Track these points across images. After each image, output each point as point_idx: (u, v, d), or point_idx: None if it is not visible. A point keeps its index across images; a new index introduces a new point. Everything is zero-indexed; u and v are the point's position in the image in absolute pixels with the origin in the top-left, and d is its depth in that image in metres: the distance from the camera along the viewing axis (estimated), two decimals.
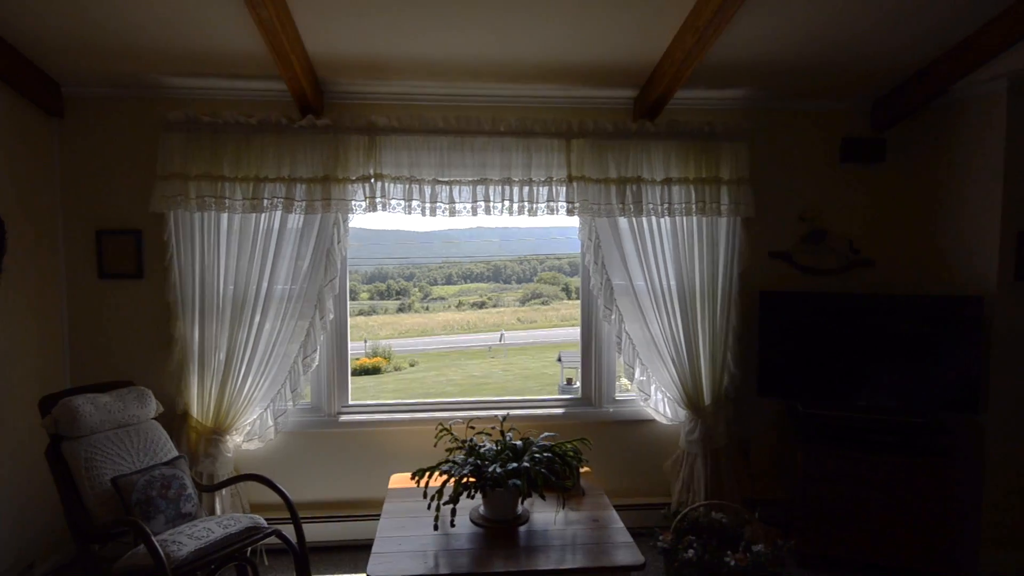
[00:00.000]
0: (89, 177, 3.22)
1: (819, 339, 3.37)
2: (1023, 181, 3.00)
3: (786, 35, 2.85)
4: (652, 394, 3.52)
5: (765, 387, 3.44)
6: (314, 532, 3.26)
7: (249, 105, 3.23)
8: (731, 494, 3.42)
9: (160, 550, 2.17)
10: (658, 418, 3.56)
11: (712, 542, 2.89)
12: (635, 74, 3.20)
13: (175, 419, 3.19)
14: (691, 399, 3.44)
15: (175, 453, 2.84)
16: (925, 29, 2.82)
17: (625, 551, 2.44)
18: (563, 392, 8.85)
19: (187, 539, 2.37)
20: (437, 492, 2.53)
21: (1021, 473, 3.09)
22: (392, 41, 2.85)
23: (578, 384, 3.77)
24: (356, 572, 3.18)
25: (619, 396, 3.69)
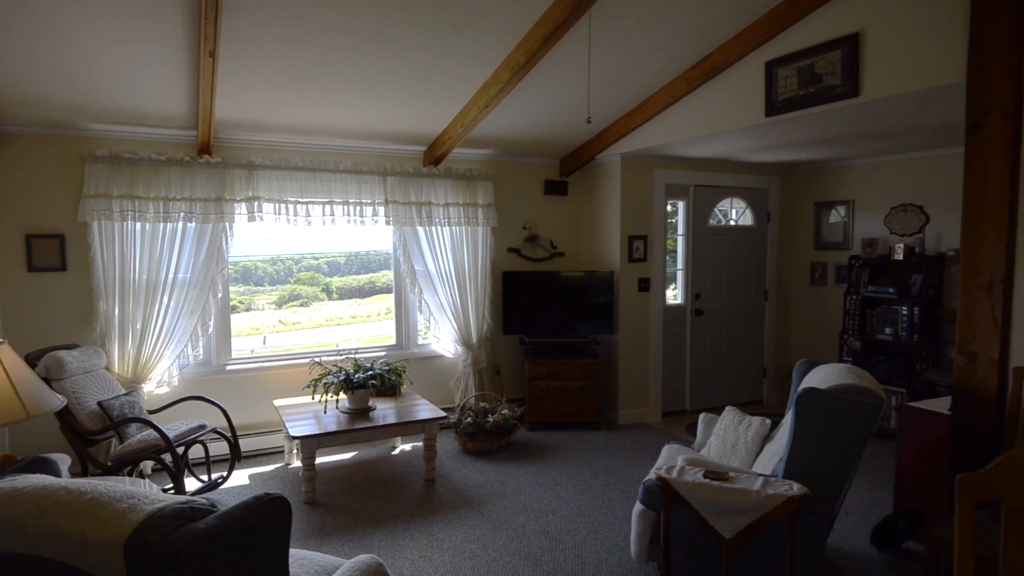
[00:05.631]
0: (19, 195, 4.16)
1: (535, 299, 5.72)
2: (629, 211, 5.66)
3: (513, 124, 5.09)
4: (442, 338, 5.55)
5: (507, 329, 5.69)
6: (221, 447, 4.62)
7: (155, 144, 4.47)
8: (490, 397, 5.62)
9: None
10: (445, 354, 5.60)
11: (481, 414, 5.02)
12: (426, 138, 5.19)
13: None
14: (466, 340, 5.54)
15: (124, 390, 4.07)
16: (578, 129, 5.29)
17: (437, 412, 4.43)
18: None
19: (168, 431, 3.74)
20: (324, 391, 4.25)
21: (633, 366, 5.78)
22: (276, 111, 4.41)
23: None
24: (255, 467, 4.66)
25: (420, 342, 5.65)
